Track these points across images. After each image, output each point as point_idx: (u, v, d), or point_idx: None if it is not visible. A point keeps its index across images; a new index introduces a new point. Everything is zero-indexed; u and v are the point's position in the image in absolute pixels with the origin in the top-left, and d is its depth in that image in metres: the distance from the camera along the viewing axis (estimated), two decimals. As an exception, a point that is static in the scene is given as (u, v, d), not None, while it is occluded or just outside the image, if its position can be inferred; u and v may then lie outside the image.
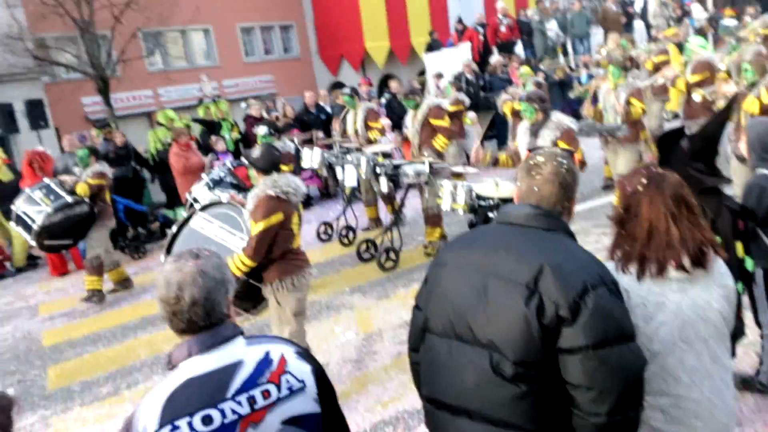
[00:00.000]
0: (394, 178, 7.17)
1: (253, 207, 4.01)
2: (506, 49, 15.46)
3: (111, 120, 11.56)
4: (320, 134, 10.84)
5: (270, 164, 4.03)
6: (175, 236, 4.50)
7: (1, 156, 9.36)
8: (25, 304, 7.99)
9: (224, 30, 21.66)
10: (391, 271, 6.99)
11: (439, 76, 12.76)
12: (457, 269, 1.94)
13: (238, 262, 3.93)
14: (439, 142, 7.46)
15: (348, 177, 7.48)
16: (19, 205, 7.15)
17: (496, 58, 13.61)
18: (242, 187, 6.71)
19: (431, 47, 17.13)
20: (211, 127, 10.64)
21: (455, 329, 1.88)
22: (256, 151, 4.14)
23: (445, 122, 7.47)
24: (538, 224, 1.90)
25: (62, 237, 7.32)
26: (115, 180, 9.40)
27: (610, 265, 2.02)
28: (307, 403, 1.70)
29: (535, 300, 1.73)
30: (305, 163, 8.27)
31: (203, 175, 7.17)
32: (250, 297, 4.23)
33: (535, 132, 5.48)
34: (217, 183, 7.04)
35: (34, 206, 7.07)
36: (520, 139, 5.71)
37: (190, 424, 1.55)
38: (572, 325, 1.70)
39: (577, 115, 9.52)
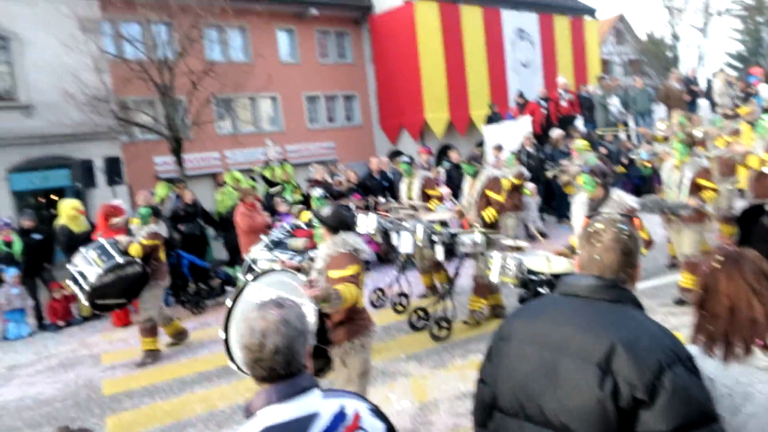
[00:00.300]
0: (451, 246, 7.17)
1: (327, 264, 4.02)
2: (567, 123, 15.56)
3: (182, 179, 12.10)
4: (380, 200, 11.04)
5: (340, 223, 4.07)
6: (231, 310, 4.29)
7: (78, 208, 9.90)
8: (88, 352, 8.25)
9: (291, 98, 22.70)
10: (445, 341, 6.90)
11: (499, 148, 12.92)
12: (522, 344, 1.90)
13: (347, 292, 3.75)
14: (489, 213, 7.41)
15: (404, 243, 7.53)
16: (74, 264, 7.32)
17: (557, 131, 13.70)
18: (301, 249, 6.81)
19: (491, 119, 17.41)
20: (272, 186, 11.03)
21: (525, 409, 1.84)
22: (326, 210, 4.19)
23: (500, 197, 7.43)
24: (603, 296, 1.85)
25: (115, 296, 7.36)
26: (182, 236, 9.83)
27: (693, 350, 1.95)
28: None
29: (609, 382, 1.67)
30: (360, 228, 8.39)
31: (263, 237, 7.30)
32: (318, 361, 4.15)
33: (594, 208, 5.39)
34: (277, 245, 7.18)
35: (88, 266, 7.20)
36: (577, 212, 5.64)
37: None
38: (650, 408, 1.64)
39: (638, 192, 9.40)
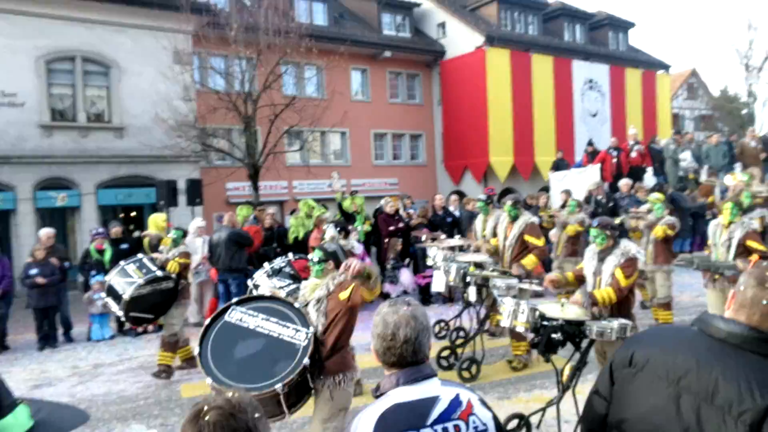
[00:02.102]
0: (484, 288, 7.15)
1: (334, 289, 4.25)
2: (636, 174, 15.56)
3: (260, 203, 12.77)
4: (442, 236, 11.36)
5: (342, 259, 4.59)
6: (208, 327, 4.31)
7: (167, 221, 10.61)
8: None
9: (359, 134, 23.52)
10: (473, 381, 6.96)
11: (568, 192, 13.07)
12: (655, 378, 1.84)
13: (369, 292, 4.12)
14: (530, 260, 7.32)
15: (436, 282, 7.62)
16: (111, 277, 7.64)
17: (624, 181, 13.76)
18: (298, 278, 6.72)
19: (557, 166, 17.55)
20: (347, 219, 11.52)
21: None
22: (331, 246, 4.73)
23: (540, 242, 7.38)
24: (759, 350, 1.70)
25: (146, 311, 7.61)
26: (258, 257, 10.38)
27: None
28: None
29: None
30: (429, 261, 8.68)
31: (265, 264, 7.27)
32: (298, 393, 4.14)
33: (602, 258, 5.42)
34: (277, 272, 7.20)
35: (126, 278, 7.53)
36: (587, 262, 5.71)
37: None
38: None
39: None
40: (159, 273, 7.60)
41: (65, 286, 10.12)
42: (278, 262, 7.22)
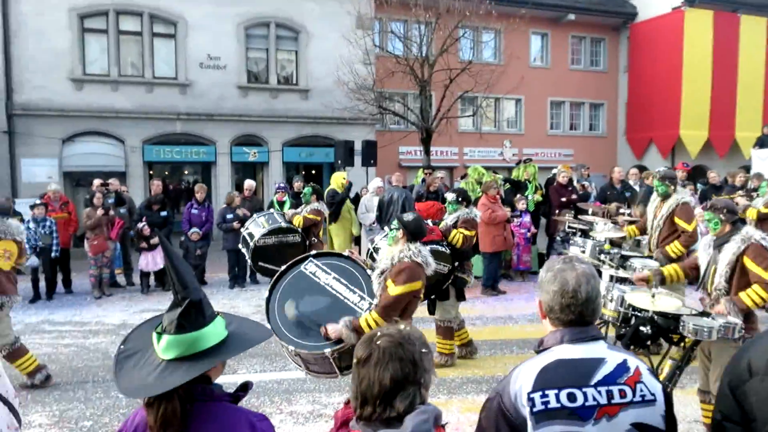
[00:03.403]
0: (620, 268, 6.54)
1: (395, 269, 4.03)
2: None
3: (430, 167, 12.97)
4: (621, 210, 10.67)
5: (418, 232, 4.21)
6: (282, 274, 4.28)
7: (346, 178, 11.21)
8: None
9: (535, 101, 22.73)
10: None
11: (759, 176, 11.53)
12: None
13: (371, 321, 3.82)
14: (675, 248, 6.52)
15: None
16: (246, 227, 8.23)
17: None
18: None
19: (763, 143, 15.55)
20: (517, 187, 11.31)
21: None
22: (409, 216, 4.31)
23: (690, 226, 6.50)
24: None
25: (274, 262, 7.83)
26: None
27: None
28: (654, 416, 1.86)
29: None
30: (598, 235, 8.22)
31: (385, 228, 7.27)
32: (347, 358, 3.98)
33: (718, 246, 4.62)
34: None
35: (256, 228, 8.05)
36: (702, 253, 4.87)
37: (557, 396, 1.83)
38: None
39: None
40: (283, 224, 8.04)
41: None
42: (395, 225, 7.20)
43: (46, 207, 9.66)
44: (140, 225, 10.08)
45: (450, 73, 15.30)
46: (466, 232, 6.46)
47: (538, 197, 11.32)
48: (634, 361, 1.94)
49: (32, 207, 9.47)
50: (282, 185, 11.29)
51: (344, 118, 17.21)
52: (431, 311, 6.59)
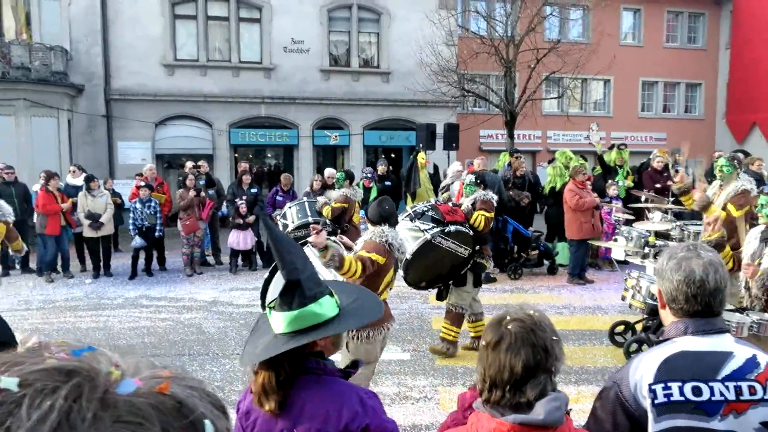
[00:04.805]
0: None
1: (361, 247, 4.26)
2: None
3: (516, 151, 12.74)
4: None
5: (378, 217, 4.31)
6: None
7: (426, 159, 11.21)
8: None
9: (625, 82, 21.79)
10: None
11: None
12: None
13: (352, 269, 3.91)
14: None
15: (616, 249, 6.80)
16: (281, 217, 8.30)
17: None
18: (442, 221, 6.24)
19: None
20: (608, 172, 10.93)
21: None
22: (374, 203, 4.44)
23: (738, 213, 5.93)
24: None
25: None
26: (514, 204, 10.43)
27: None
28: None
29: None
30: (645, 225, 7.84)
31: (407, 207, 7.06)
32: None
33: (766, 239, 4.25)
34: (419, 215, 6.87)
35: (288, 220, 8.12)
36: (748, 245, 4.39)
37: (680, 389, 1.77)
38: None
39: None
40: (310, 219, 8.08)
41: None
42: (421, 206, 7.18)
43: (150, 188, 10.24)
44: (239, 202, 10.44)
45: (537, 53, 14.90)
46: (487, 214, 6.33)
47: (629, 183, 10.89)
48: (764, 357, 1.85)
49: (139, 188, 10.07)
50: (369, 173, 11.33)
51: (425, 101, 17.16)
52: (440, 297, 6.57)
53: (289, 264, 1.83)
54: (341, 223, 8.46)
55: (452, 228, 5.99)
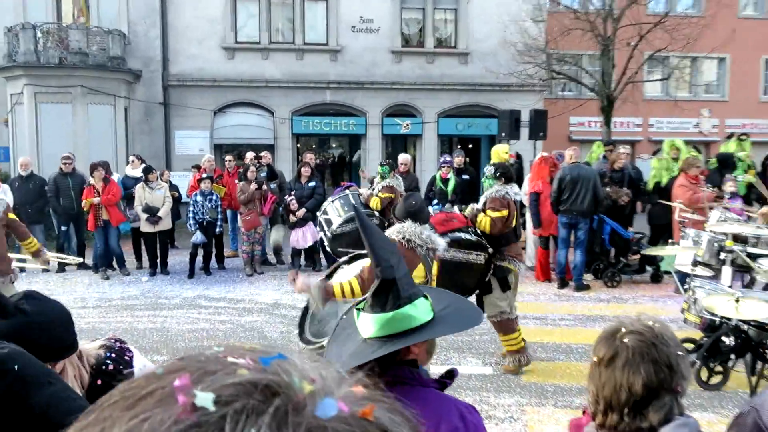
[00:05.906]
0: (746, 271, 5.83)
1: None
2: None
3: (611, 141, 12.36)
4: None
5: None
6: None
7: (509, 152, 10.97)
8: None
9: (743, 61, 20.72)
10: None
11: None
12: None
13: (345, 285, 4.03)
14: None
15: (680, 257, 6.51)
16: (324, 212, 8.41)
17: None
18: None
19: None
20: (726, 165, 10.44)
21: None
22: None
23: None
24: None
25: (355, 247, 7.76)
26: (611, 201, 10.10)
27: None
28: None
29: None
30: (716, 227, 7.43)
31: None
32: None
33: None
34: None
35: (333, 214, 8.27)
36: None
37: None
38: None
39: None
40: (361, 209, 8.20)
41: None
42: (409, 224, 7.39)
43: (212, 180, 10.55)
44: (288, 198, 10.56)
45: (639, 29, 14.36)
46: (494, 214, 6.08)
47: (750, 178, 10.36)
48: None
49: (200, 181, 10.40)
50: (448, 159, 11.14)
51: (508, 85, 16.84)
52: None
53: (384, 261, 1.81)
54: (387, 215, 8.56)
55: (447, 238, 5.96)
